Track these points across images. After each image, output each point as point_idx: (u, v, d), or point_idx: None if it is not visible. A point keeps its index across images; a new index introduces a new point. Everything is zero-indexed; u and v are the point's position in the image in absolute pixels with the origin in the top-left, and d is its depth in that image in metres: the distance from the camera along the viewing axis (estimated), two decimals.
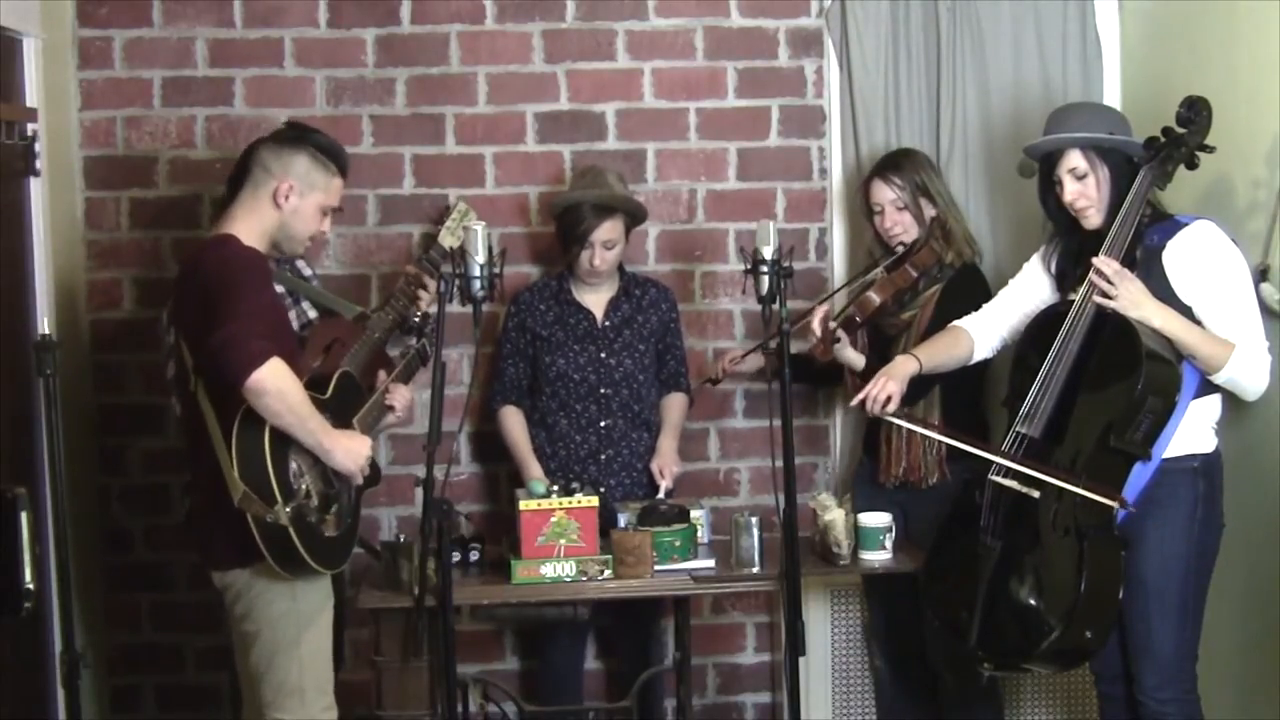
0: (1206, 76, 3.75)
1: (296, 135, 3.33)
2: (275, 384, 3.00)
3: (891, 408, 3.54)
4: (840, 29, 4.33)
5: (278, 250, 3.35)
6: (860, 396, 3.56)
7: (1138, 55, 4.26)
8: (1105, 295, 3.28)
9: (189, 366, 3.19)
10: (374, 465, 3.33)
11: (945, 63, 4.28)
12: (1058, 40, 4.29)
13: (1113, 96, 4.33)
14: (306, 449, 3.16)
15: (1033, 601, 3.32)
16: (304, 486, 3.16)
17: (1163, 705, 3.35)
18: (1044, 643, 3.27)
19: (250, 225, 3.24)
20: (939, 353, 3.65)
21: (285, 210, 3.26)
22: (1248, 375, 3.29)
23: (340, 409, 3.27)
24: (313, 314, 3.75)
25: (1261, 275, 3.46)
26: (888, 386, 3.54)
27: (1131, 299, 3.27)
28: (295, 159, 3.27)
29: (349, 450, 3.23)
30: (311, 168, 3.28)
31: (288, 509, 3.06)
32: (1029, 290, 3.66)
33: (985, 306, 3.73)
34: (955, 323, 3.73)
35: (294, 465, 3.15)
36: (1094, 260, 3.30)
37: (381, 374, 3.58)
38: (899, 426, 3.72)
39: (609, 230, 3.96)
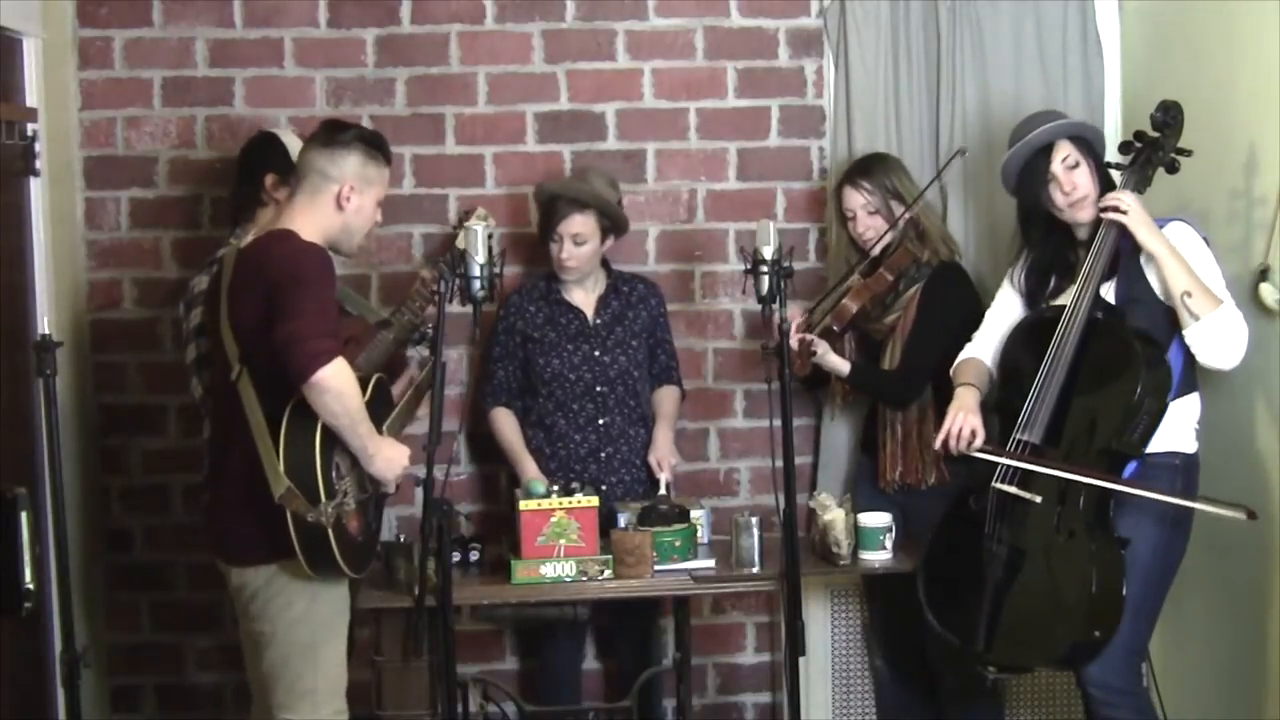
0: (1206, 78, 3.76)
1: (345, 135, 3.29)
2: (338, 384, 3.02)
3: (978, 442, 3.52)
4: (840, 29, 4.33)
5: (335, 249, 3.34)
6: (941, 438, 3.54)
7: (1138, 56, 4.26)
8: (1116, 211, 3.33)
9: (233, 355, 3.18)
10: None
11: (945, 63, 4.28)
12: (1058, 40, 4.29)
13: (1113, 97, 4.33)
14: (348, 451, 3.16)
15: (1041, 604, 3.33)
16: (344, 488, 3.17)
17: (1109, 696, 3.35)
18: (1053, 644, 3.28)
19: (310, 225, 3.22)
20: (980, 378, 3.65)
21: (348, 210, 3.25)
22: (1227, 333, 3.28)
23: (373, 414, 3.26)
24: (350, 310, 3.75)
25: (1261, 275, 3.47)
26: (969, 421, 3.52)
27: (1142, 217, 3.31)
28: (348, 159, 3.25)
29: (389, 459, 3.23)
30: (365, 164, 3.27)
31: (330, 508, 3.07)
32: (1005, 314, 3.68)
33: (975, 336, 3.74)
34: (962, 356, 3.73)
35: (337, 466, 3.16)
36: (1107, 196, 3.37)
37: (408, 380, 3.57)
38: (987, 460, 3.53)
39: (579, 224, 3.95)
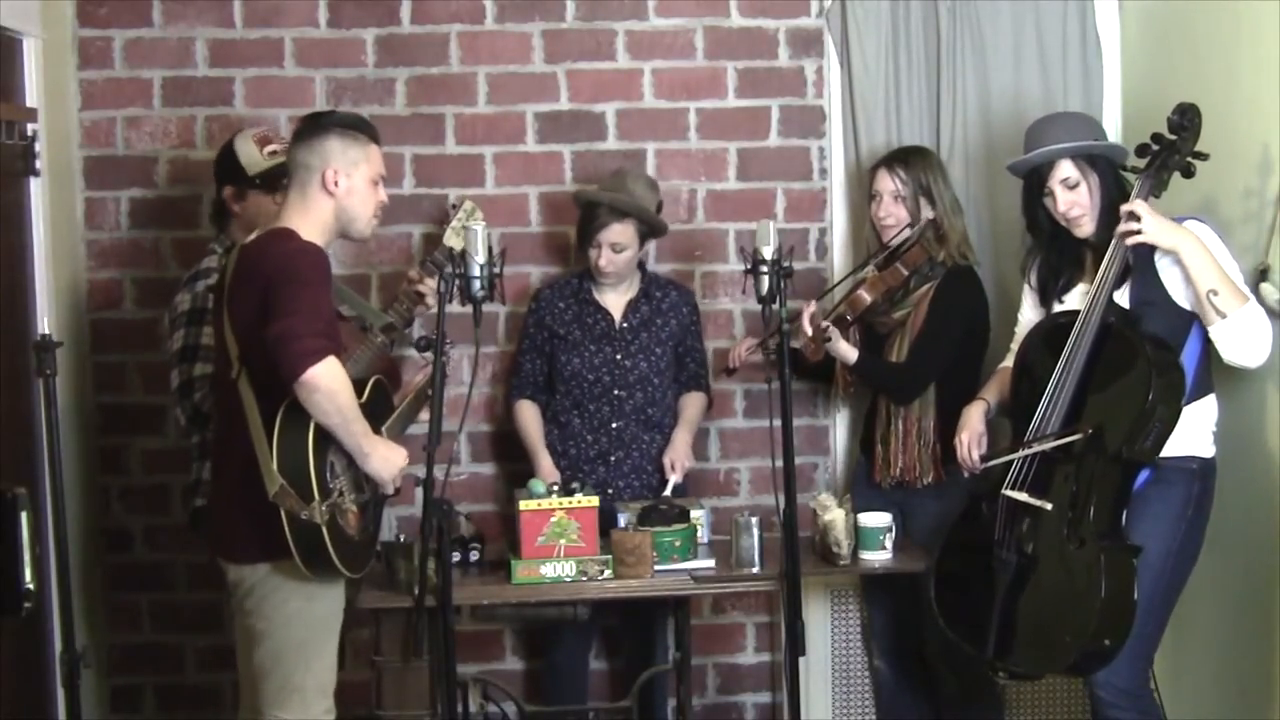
0: (1206, 78, 3.76)
1: (318, 123, 3.30)
2: (328, 383, 3.01)
3: (978, 452, 3.60)
4: (840, 29, 4.33)
5: (346, 237, 3.35)
6: (969, 468, 3.62)
7: (1138, 57, 4.26)
8: (1132, 233, 3.29)
9: (233, 354, 3.19)
10: None
11: (945, 63, 4.28)
12: (1058, 41, 4.29)
13: (1113, 98, 4.33)
14: (344, 450, 3.17)
15: (1051, 612, 3.33)
16: (339, 487, 3.17)
17: (1116, 698, 3.35)
18: (1063, 652, 3.29)
19: (308, 222, 3.22)
20: (1004, 390, 3.68)
21: (339, 194, 3.24)
22: (1255, 330, 3.26)
23: (372, 416, 3.27)
24: (346, 311, 3.76)
25: (1261, 275, 3.46)
26: (967, 439, 3.62)
27: (1160, 227, 3.27)
28: (326, 144, 3.24)
29: (386, 459, 3.23)
30: (345, 145, 3.26)
31: (323, 507, 3.07)
32: (1032, 318, 3.69)
33: (1013, 345, 3.75)
34: (1001, 365, 3.77)
35: (331, 465, 3.16)
36: (1123, 206, 3.32)
37: (418, 378, 3.59)
38: (1008, 460, 3.52)
39: (618, 234, 3.96)
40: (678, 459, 4.04)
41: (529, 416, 4.11)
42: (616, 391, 4.05)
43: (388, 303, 3.94)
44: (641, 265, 4.14)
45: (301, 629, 3.24)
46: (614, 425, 4.06)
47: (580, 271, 4.15)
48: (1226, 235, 3.45)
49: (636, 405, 4.06)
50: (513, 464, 4.30)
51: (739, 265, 3.95)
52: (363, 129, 3.32)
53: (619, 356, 4.06)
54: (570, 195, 4.23)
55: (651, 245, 4.34)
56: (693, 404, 4.17)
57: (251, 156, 3.74)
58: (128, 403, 4.31)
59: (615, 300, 4.10)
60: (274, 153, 3.73)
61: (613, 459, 4.05)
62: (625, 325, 4.08)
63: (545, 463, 4.02)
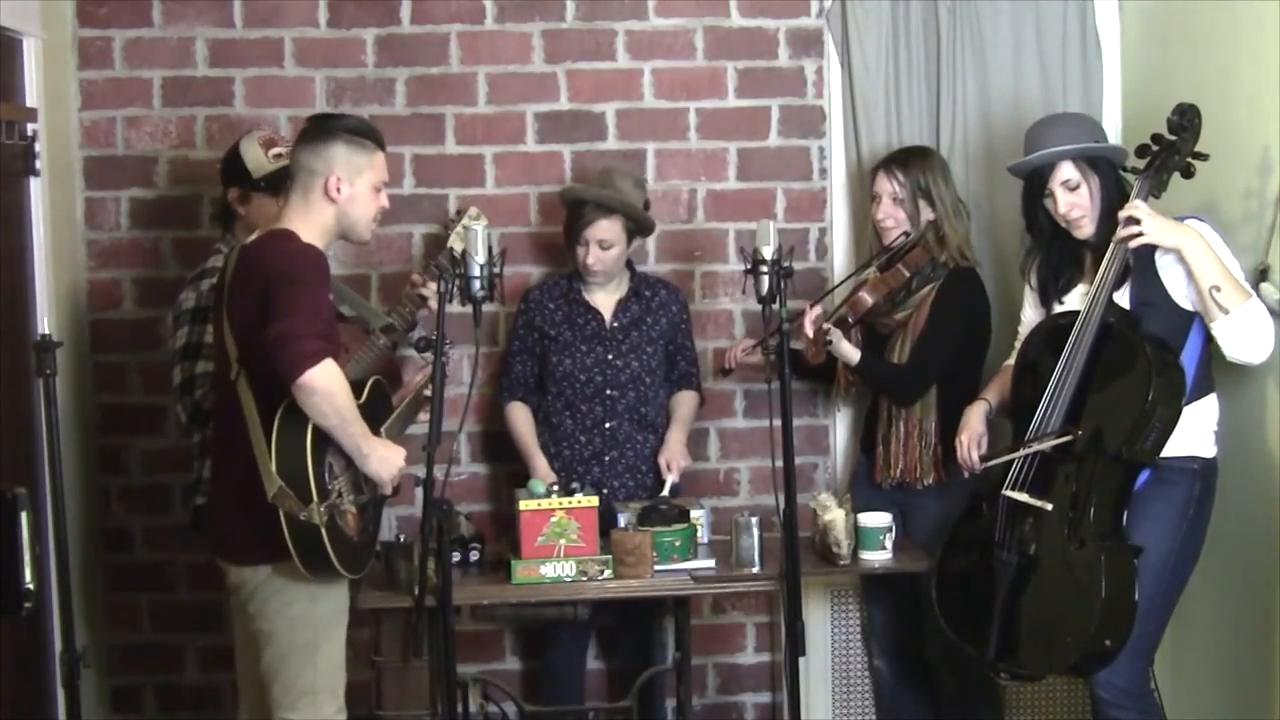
0: (1206, 78, 3.76)
1: (325, 127, 3.29)
2: (326, 385, 3.01)
3: (977, 453, 3.63)
4: (840, 29, 4.33)
5: (346, 239, 3.36)
6: (969, 468, 3.64)
7: (1138, 56, 4.26)
8: (1134, 236, 3.28)
9: (232, 355, 3.19)
10: None
11: (945, 63, 4.28)
12: (1057, 41, 4.29)
13: (1113, 98, 4.33)
14: (342, 451, 3.17)
15: (1052, 614, 3.33)
16: (337, 488, 3.17)
17: (1116, 697, 3.36)
18: (1064, 653, 3.29)
19: (309, 225, 3.22)
20: (1005, 390, 3.68)
21: (341, 201, 3.24)
22: (1258, 326, 3.25)
23: (371, 417, 3.27)
24: (346, 311, 3.77)
25: (1261, 275, 3.46)
26: (968, 440, 3.64)
27: (1161, 227, 3.27)
28: (331, 149, 3.24)
29: (384, 459, 3.23)
30: (351, 153, 3.25)
31: (322, 508, 3.07)
32: (1035, 318, 3.69)
33: (1016, 345, 3.75)
34: (1004, 365, 3.78)
35: (330, 466, 3.16)
36: (1121, 211, 3.32)
37: (417, 379, 3.59)
38: (1008, 460, 3.53)
39: (605, 230, 3.96)
40: (673, 459, 4.03)
41: (521, 418, 4.11)
42: (609, 391, 4.05)
43: (390, 304, 3.95)
44: (630, 264, 4.14)
45: (307, 630, 3.24)
46: (607, 425, 4.05)
47: (570, 272, 4.14)
48: (1227, 235, 3.45)
49: (629, 405, 4.06)
50: (512, 464, 4.29)
51: (739, 265, 3.95)
52: (370, 135, 3.31)
53: (610, 356, 4.06)
54: None
55: (651, 245, 4.35)
56: (685, 403, 4.17)
57: (257, 159, 3.74)
58: (128, 403, 4.31)
59: (605, 300, 4.10)
60: (279, 155, 3.74)
61: (606, 459, 4.05)
62: (616, 325, 4.08)
63: (541, 464, 4.02)
